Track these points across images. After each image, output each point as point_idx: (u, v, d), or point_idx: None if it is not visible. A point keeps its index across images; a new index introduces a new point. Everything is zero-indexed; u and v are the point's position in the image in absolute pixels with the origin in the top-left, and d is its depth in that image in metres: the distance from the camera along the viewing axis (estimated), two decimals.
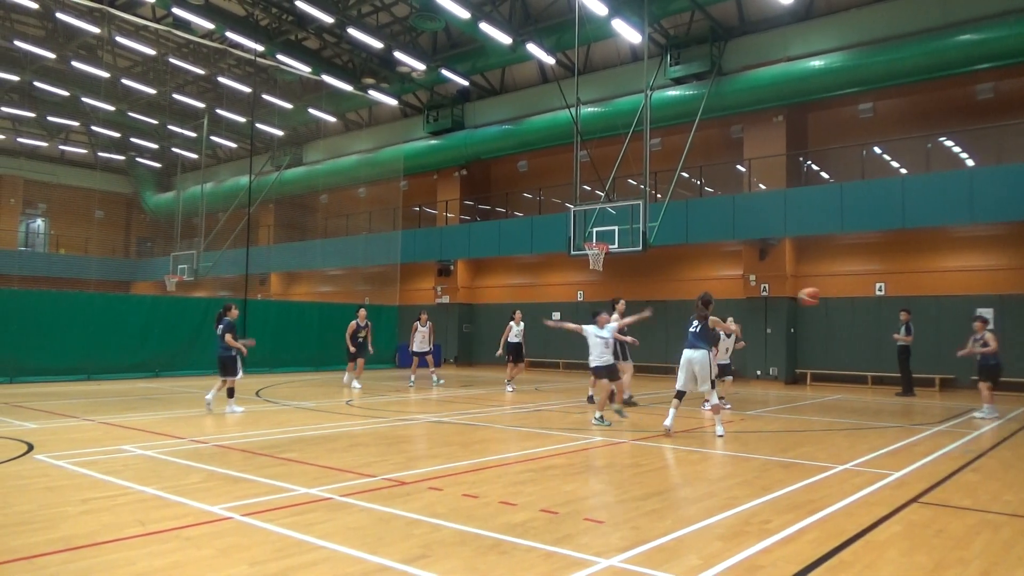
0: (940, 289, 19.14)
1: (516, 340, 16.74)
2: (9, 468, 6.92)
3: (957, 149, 20.49)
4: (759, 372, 21.23)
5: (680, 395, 9.71)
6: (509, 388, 16.53)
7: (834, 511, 5.66)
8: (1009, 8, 17.36)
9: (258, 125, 30.99)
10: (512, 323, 16.66)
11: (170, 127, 35.56)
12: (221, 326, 11.60)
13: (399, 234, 28.29)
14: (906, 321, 16.56)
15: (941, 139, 20.36)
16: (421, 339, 17.53)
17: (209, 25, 23.19)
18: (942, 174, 18.41)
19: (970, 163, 20.14)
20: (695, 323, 9.80)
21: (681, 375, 9.72)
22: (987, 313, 18.31)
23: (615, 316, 12.07)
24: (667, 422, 9.56)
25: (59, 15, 24.80)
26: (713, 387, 9.71)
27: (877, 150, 21.24)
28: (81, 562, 4.22)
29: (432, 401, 14.20)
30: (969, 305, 18.41)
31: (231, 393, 11.62)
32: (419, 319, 17.71)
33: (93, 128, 37.89)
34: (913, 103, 20.72)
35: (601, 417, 10.71)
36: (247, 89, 29.38)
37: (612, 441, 9.22)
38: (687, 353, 9.70)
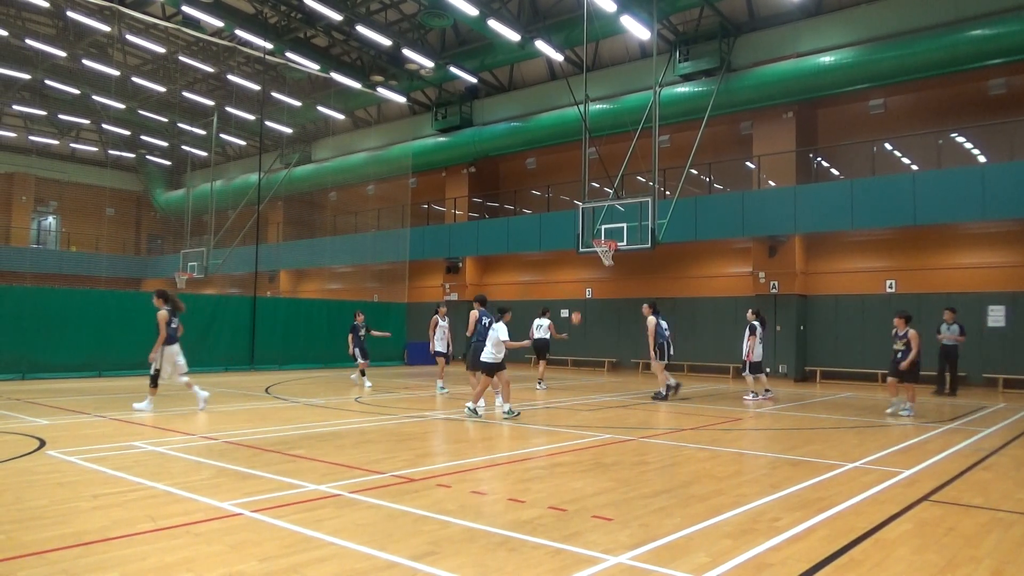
0: (951, 286, 19.00)
1: (542, 335, 16.52)
2: (21, 464, 6.97)
3: (969, 145, 20.33)
4: (768, 369, 21.12)
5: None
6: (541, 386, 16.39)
7: (844, 509, 5.64)
8: (1022, 3, 17.20)
9: (267, 123, 31.10)
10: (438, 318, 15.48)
11: (180, 125, 35.73)
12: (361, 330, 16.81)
13: (408, 231, 28.33)
14: (954, 320, 16.05)
15: (953, 135, 20.21)
16: (442, 335, 15.40)
17: (218, 23, 23.28)
18: (953, 170, 18.27)
19: (982, 159, 19.97)
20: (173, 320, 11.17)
21: (167, 366, 11.10)
22: (998, 310, 18.23)
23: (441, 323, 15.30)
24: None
25: (70, 13, 24.94)
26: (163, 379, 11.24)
27: (888, 146, 21.10)
28: (92, 557, 4.25)
29: (440, 399, 14.21)
30: (981, 302, 18.31)
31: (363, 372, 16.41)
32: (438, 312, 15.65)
33: (104, 126, 38.17)
34: (924, 99, 20.57)
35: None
36: (256, 87, 29.49)
37: (620, 439, 9.22)
38: (176, 347, 11.26)
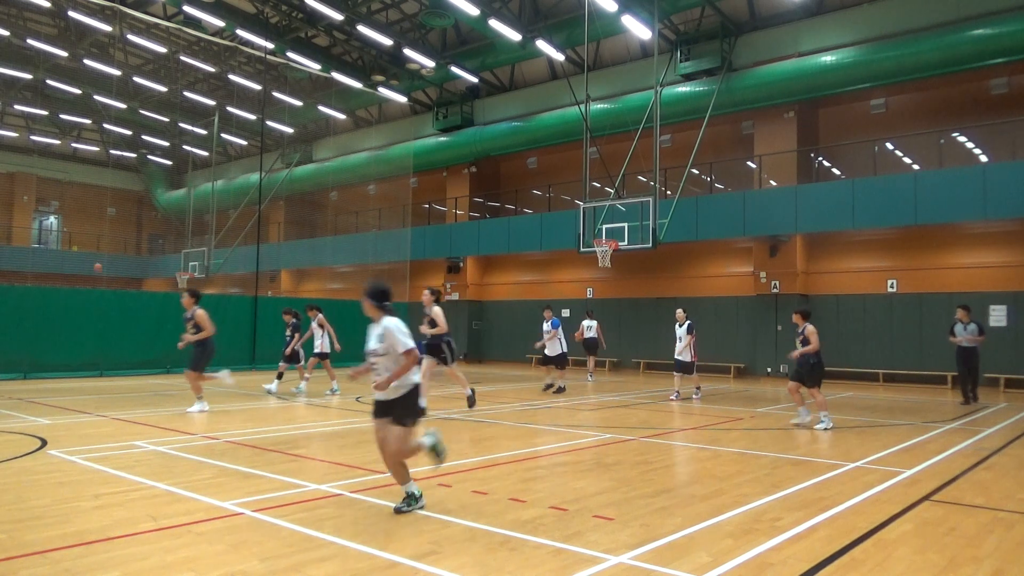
0: (953, 286, 18.99)
1: (591, 335, 18.57)
2: (23, 463, 6.98)
3: (970, 145, 20.31)
4: (769, 369, 21.15)
5: None
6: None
7: (845, 509, 5.64)
8: (1023, 2, 17.18)
9: (268, 122, 31.09)
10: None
11: (181, 125, 35.74)
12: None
13: (409, 231, 28.32)
14: (971, 319, 14.33)
15: (954, 134, 20.19)
16: (320, 334, 15.28)
17: (219, 23, 23.30)
18: (955, 170, 18.26)
19: (983, 159, 19.96)
20: None
21: None
22: (999, 310, 18.21)
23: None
24: None
25: (71, 13, 24.95)
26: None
27: (889, 146, 21.08)
28: (94, 557, 4.25)
29: (442, 398, 14.21)
30: (982, 302, 18.27)
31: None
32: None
33: (105, 126, 38.18)
34: (926, 98, 20.55)
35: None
36: (257, 87, 29.50)
37: (621, 438, 9.22)
38: None
